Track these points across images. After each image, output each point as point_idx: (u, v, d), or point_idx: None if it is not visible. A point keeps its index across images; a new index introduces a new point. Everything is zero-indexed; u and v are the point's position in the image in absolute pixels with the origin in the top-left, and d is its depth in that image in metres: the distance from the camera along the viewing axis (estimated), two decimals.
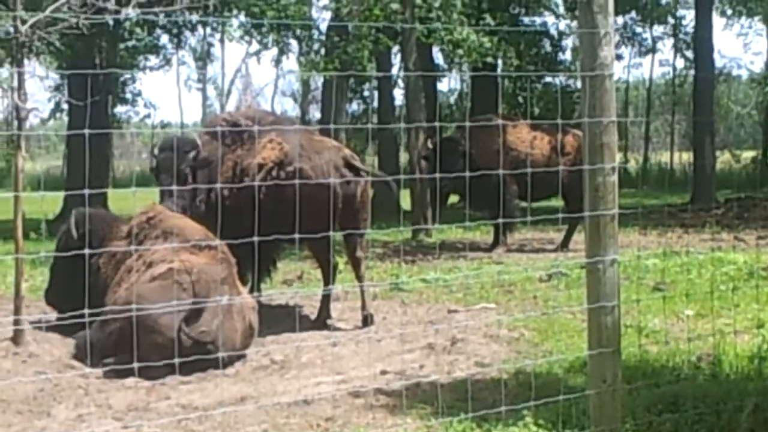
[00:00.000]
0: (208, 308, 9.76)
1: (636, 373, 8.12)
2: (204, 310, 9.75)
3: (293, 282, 15.44)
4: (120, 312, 9.49)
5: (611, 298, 6.36)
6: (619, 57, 48.35)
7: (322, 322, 12.37)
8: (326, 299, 12.60)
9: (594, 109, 6.34)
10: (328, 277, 12.57)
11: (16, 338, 10.82)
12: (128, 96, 42.02)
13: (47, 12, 11.23)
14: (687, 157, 46.11)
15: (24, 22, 11.13)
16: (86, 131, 5.74)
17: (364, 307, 12.30)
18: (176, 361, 6.10)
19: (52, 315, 11.88)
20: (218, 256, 10.63)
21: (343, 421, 7.81)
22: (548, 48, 42.32)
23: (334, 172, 12.02)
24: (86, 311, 10.17)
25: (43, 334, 11.16)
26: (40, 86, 74.41)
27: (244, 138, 12.37)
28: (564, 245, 20.24)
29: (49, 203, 26.56)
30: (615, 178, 6.40)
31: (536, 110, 40.12)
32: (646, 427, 6.60)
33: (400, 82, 40.00)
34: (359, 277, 12.57)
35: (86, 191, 6.13)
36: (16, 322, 10.87)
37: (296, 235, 8.43)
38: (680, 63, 52.23)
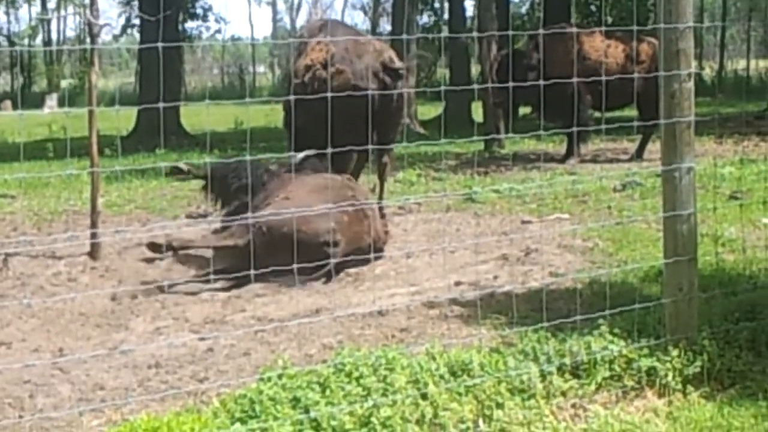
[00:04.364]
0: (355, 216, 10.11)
1: (712, 282, 8.04)
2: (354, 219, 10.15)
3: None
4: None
5: (687, 206, 6.30)
6: None
7: None
8: None
9: (670, 15, 6.22)
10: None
11: (94, 253, 10.97)
12: (199, 11, 42.04)
13: None
14: (764, 64, 45.45)
15: None
16: (160, 44, 5.71)
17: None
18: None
19: (129, 229, 11.99)
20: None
21: (417, 332, 7.82)
22: None
23: (373, 78, 11.66)
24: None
25: (120, 248, 11.30)
26: (112, 3, 74.78)
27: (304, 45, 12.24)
28: (638, 155, 20.09)
29: (122, 120, 26.74)
30: (691, 84, 6.30)
31: (609, 19, 39.57)
32: (723, 335, 6.54)
33: None
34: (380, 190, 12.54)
35: (161, 104, 6.12)
36: (93, 237, 11.01)
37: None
38: None
